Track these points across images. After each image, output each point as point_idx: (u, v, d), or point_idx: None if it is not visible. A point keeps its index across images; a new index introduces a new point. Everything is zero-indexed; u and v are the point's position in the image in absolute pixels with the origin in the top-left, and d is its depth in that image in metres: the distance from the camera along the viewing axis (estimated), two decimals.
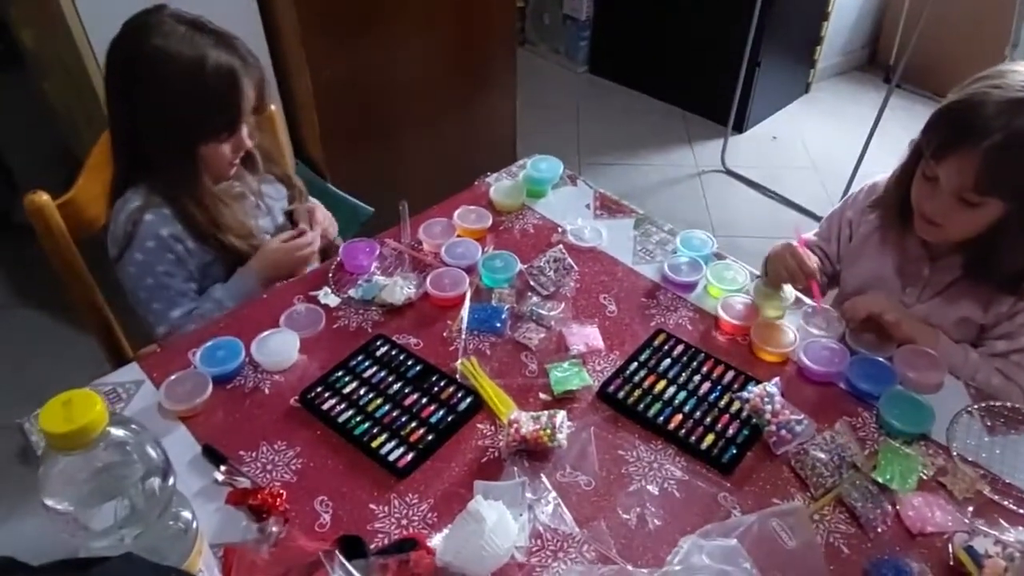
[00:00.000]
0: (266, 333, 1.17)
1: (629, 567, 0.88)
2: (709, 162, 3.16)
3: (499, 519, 0.88)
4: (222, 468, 0.98)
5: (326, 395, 1.10)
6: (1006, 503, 0.96)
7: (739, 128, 3.29)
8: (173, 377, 1.09)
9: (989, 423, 1.07)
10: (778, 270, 1.23)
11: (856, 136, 2.75)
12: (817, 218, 2.79)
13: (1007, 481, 0.99)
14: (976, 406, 1.09)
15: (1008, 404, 1.09)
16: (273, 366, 1.14)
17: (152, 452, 0.70)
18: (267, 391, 1.12)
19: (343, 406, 1.09)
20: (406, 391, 1.11)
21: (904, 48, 2.76)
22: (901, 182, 1.21)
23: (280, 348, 1.15)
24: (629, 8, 3.46)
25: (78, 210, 1.36)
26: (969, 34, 3.07)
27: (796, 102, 3.55)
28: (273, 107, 1.58)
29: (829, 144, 3.26)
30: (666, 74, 3.46)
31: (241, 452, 1.02)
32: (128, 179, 1.30)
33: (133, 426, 0.68)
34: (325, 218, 1.50)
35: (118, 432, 0.66)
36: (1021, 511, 0.95)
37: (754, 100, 3.23)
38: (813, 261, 1.22)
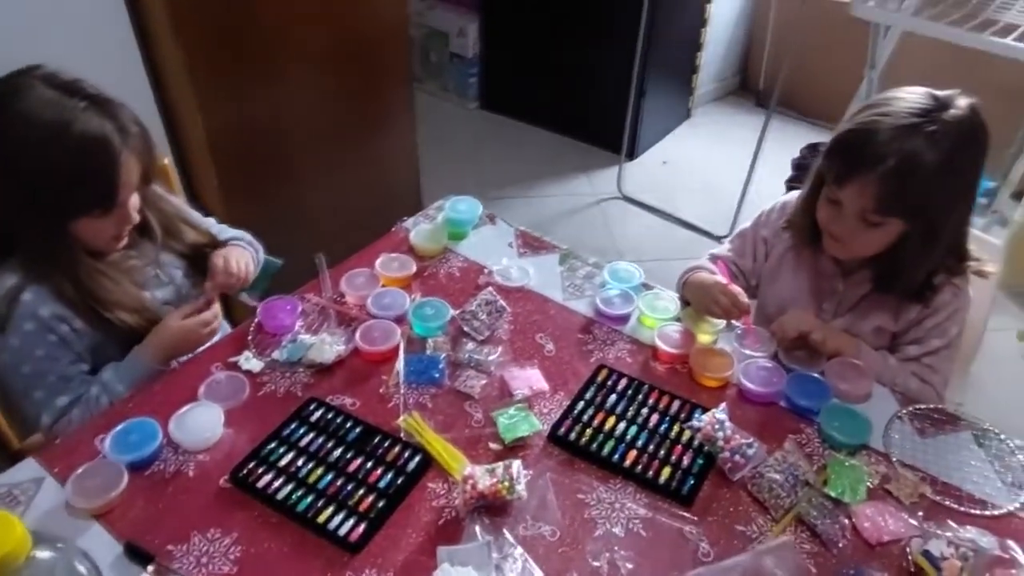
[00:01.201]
0: (184, 409, 1.07)
1: None
2: (605, 189, 3.24)
3: None
4: (150, 568, 0.88)
5: (260, 471, 1.01)
6: (947, 503, 1.00)
7: (631, 155, 3.40)
8: (80, 470, 0.97)
9: (919, 426, 1.12)
10: (708, 306, 1.25)
11: (737, 155, 2.90)
12: (715, 237, 2.91)
13: (944, 481, 1.04)
14: (905, 411, 1.14)
15: (931, 406, 1.15)
16: (196, 445, 1.05)
17: (82, 569, 0.61)
18: (191, 474, 1.01)
19: (280, 481, 1.00)
20: (348, 456, 1.04)
21: (773, 74, 2.96)
22: (808, 205, 1.27)
23: (202, 424, 1.06)
24: (516, 44, 3.52)
25: None
26: (830, 58, 3.32)
27: (681, 127, 3.72)
28: (166, 160, 1.47)
29: (714, 164, 3.42)
30: (557, 106, 3.54)
31: (170, 547, 0.92)
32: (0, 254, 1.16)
33: (59, 545, 0.59)
34: (239, 261, 1.33)
35: (43, 554, 0.57)
36: (961, 509, 1.00)
37: (642, 127, 3.35)
38: (744, 296, 1.24)
